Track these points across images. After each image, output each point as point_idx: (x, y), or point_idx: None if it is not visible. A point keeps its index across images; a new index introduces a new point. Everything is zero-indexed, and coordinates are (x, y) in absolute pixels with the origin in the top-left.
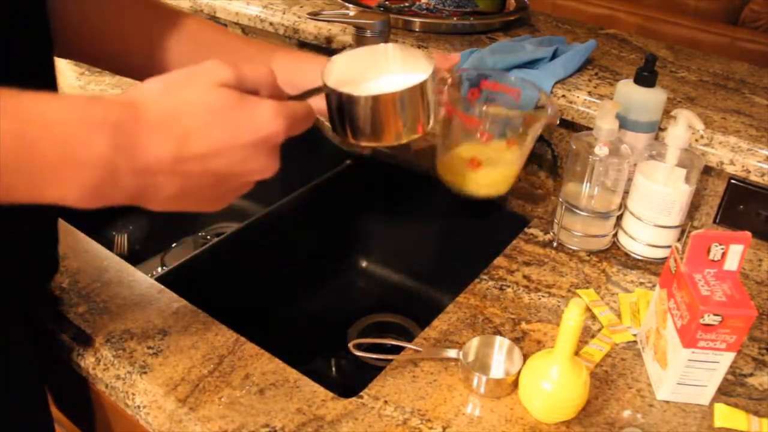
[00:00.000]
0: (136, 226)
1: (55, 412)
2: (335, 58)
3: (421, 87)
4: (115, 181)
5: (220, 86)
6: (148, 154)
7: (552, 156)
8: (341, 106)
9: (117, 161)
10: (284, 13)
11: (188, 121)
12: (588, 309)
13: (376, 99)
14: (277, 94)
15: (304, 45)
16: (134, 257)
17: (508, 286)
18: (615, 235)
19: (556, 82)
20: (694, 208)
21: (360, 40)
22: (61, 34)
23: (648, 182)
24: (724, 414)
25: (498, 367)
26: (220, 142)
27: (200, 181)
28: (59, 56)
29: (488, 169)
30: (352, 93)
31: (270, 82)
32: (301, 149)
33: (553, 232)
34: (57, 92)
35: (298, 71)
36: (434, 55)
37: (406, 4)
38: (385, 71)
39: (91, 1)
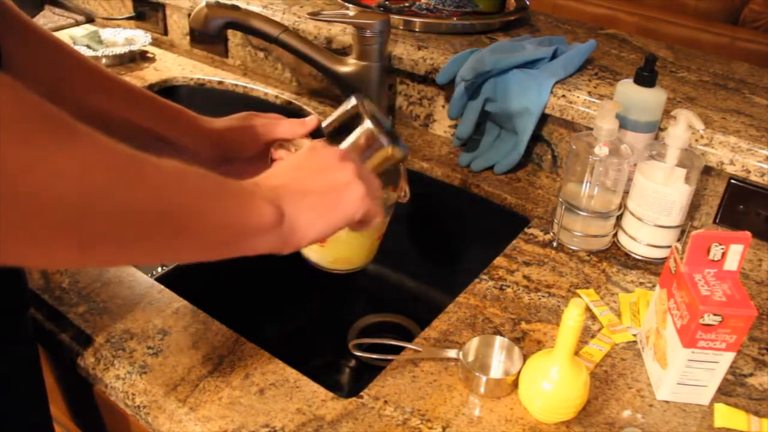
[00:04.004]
0: None
1: (55, 412)
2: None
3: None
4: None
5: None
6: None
7: (552, 156)
8: None
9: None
10: (284, 13)
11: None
12: (588, 309)
13: None
14: None
15: None
16: None
17: (508, 286)
18: (615, 235)
19: (556, 82)
20: (694, 208)
21: (360, 40)
22: None
23: (648, 182)
24: (724, 414)
25: (498, 367)
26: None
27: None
28: None
29: (334, 246)
30: None
31: None
32: None
33: (553, 232)
34: None
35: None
36: (291, 121)
37: (406, 4)
38: None
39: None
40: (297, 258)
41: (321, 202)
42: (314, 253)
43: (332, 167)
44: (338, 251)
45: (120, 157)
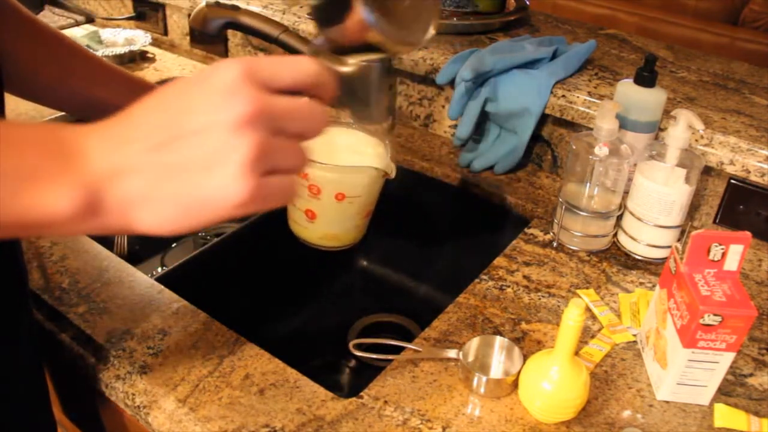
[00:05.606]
0: None
1: (54, 411)
2: None
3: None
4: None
5: None
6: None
7: (552, 156)
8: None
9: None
10: (284, 14)
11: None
12: (588, 309)
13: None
14: None
15: None
16: (134, 257)
17: (508, 286)
18: (615, 235)
19: (556, 82)
20: (694, 208)
21: None
22: (9, 70)
23: (648, 182)
24: (724, 414)
25: (498, 367)
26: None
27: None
28: (9, 92)
29: (323, 221)
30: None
31: None
32: None
33: (553, 232)
34: None
35: None
36: None
37: None
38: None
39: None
40: (297, 257)
41: (172, 191)
42: (303, 230)
43: (206, 129)
44: (325, 228)
45: None
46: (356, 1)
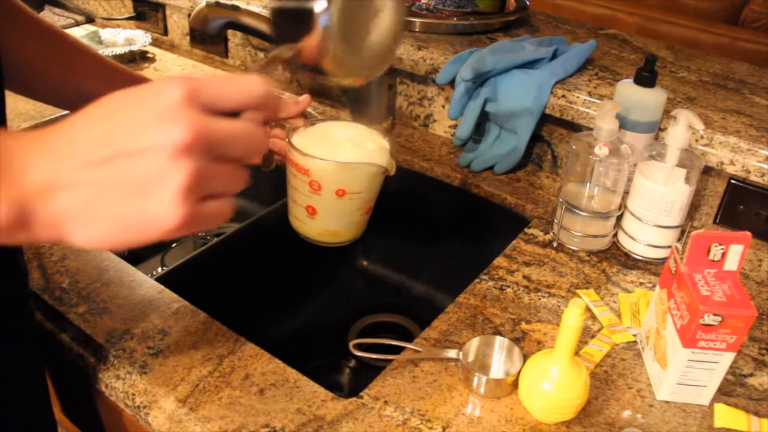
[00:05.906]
0: None
1: (54, 411)
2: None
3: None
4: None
5: None
6: None
7: (552, 156)
8: None
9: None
10: None
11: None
12: (588, 309)
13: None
14: None
15: None
16: (134, 257)
17: (508, 286)
18: (615, 235)
19: (557, 82)
20: (694, 208)
21: None
22: (13, 69)
23: (648, 182)
24: (724, 414)
25: (498, 367)
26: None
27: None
28: (13, 90)
29: (324, 217)
30: None
31: None
32: None
33: (553, 232)
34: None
35: None
36: (284, 100)
37: (407, 5)
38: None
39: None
40: (297, 257)
41: (106, 210)
42: (303, 225)
43: (144, 152)
44: (326, 224)
45: None
46: (318, 24)
